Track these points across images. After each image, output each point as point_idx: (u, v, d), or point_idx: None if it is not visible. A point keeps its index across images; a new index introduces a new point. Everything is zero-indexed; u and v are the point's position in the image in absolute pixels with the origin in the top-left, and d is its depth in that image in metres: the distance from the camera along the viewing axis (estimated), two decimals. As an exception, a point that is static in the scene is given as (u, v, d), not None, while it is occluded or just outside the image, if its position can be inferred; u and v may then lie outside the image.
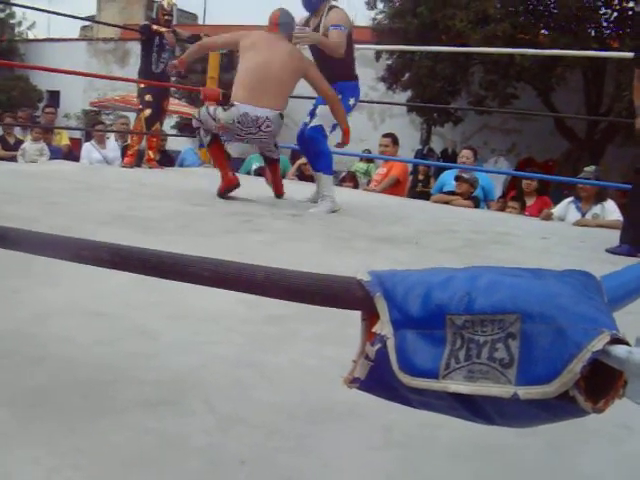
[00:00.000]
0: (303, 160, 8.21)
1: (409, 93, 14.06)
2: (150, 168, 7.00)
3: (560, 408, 0.63)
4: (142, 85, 7.12)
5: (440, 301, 0.68)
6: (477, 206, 6.44)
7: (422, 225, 4.42)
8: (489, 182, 7.23)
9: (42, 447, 1.15)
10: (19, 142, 9.37)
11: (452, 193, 6.67)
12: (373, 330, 0.71)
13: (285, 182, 7.24)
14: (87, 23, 25.86)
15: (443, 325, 0.67)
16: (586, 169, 6.02)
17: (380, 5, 14.19)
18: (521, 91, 12.77)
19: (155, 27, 6.98)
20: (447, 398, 0.68)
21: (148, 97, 6.92)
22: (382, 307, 0.70)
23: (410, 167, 9.27)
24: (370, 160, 9.26)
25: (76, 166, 7.11)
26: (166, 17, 7.12)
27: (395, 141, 7.51)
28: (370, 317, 0.73)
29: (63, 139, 10.16)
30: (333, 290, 0.73)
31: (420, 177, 11.11)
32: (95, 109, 18.41)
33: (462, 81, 13.22)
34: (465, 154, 7.45)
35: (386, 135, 7.65)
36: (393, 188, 7.06)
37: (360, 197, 6.28)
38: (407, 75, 13.79)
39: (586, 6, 11.98)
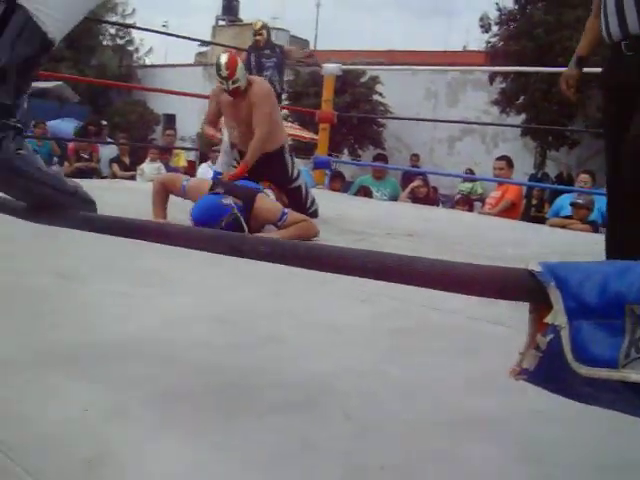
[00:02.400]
0: (416, 183, 8.21)
1: (523, 116, 13.85)
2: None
3: None
4: None
5: (618, 290, 0.67)
6: (596, 231, 6.25)
7: (539, 248, 4.33)
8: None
9: (185, 443, 1.18)
10: (135, 163, 9.77)
11: (569, 217, 6.51)
12: (545, 320, 0.71)
13: (398, 205, 7.26)
14: (202, 49, 26.72)
15: (622, 314, 0.66)
16: None
17: (495, 28, 14.07)
18: (641, 114, 12.36)
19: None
20: (623, 390, 0.66)
21: None
22: (556, 297, 0.70)
23: (524, 191, 9.11)
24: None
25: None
26: (256, 37, 7.55)
27: (510, 164, 7.41)
28: (539, 308, 0.72)
29: (181, 160, 10.48)
30: (502, 281, 0.73)
31: (534, 202, 10.91)
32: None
33: (579, 104, 12.93)
34: (583, 178, 7.27)
35: (500, 158, 7.56)
36: (508, 211, 6.94)
37: (476, 220, 6.21)
38: (522, 98, 13.60)
39: None
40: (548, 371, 0.71)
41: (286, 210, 3.54)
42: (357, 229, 4.25)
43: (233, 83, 4.22)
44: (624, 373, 0.66)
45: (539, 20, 12.88)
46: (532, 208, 11.09)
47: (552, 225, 6.44)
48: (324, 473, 1.12)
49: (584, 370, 0.68)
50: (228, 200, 3.35)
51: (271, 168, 4.36)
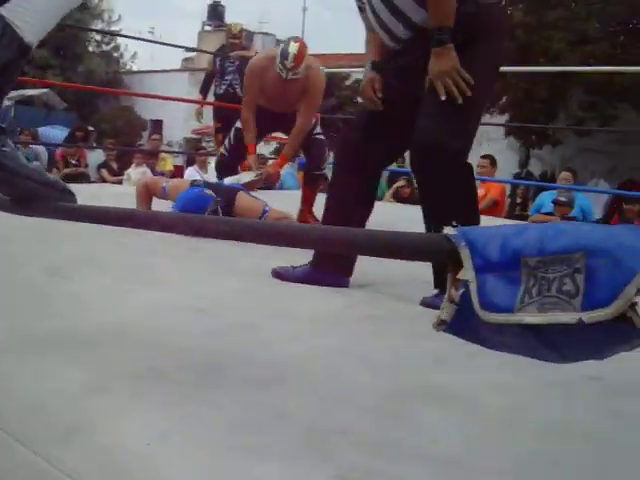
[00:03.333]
0: (400, 183, 8.33)
1: (506, 116, 13.98)
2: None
3: (619, 330, 0.71)
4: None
5: (516, 246, 0.78)
6: (576, 226, 6.37)
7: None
8: (588, 203, 7.18)
9: (155, 413, 1.28)
10: (123, 168, 9.91)
11: (550, 214, 6.64)
12: (458, 277, 0.81)
13: (381, 204, 7.35)
14: (188, 55, 26.80)
15: (518, 266, 0.77)
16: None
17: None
18: (622, 112, 12.51)
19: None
20: (522, 333, 0.77)
21: (215, 121, 7.31)
22: (465, 255, 0.80)
23: (508, 190, 9.24)
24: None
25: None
26: (231, 41, 7.60)
27: (493, 162, 7.54)
28: (456, 267, 0.83)
29: (167, 164, 10.57)
30: (425, 245, 0.84)
31: (518, 200, 11.03)
32: (196, 137, 18.98)
33: (560, 103, 13.07)
34: (564, 176, 7.44)
35: (484, 156, 7.69)
36: (491, 209, 7.06)
37: (456, 217, 6.31)
38: (504, 98, 13.72)
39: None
40: (462, 321, 0.82)
41: (267, 208, 3.64)
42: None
43: (293, 75, 4.07)
44: (519, 317, 0.76)
45: (519, 21, 13.00)
46: (517, 207, 11.22)
47: (533, 222, 6.56)
48: (289, 438, 1.22)
49: (487, 316, 0.78)
50: (209, 190, 3.47)
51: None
